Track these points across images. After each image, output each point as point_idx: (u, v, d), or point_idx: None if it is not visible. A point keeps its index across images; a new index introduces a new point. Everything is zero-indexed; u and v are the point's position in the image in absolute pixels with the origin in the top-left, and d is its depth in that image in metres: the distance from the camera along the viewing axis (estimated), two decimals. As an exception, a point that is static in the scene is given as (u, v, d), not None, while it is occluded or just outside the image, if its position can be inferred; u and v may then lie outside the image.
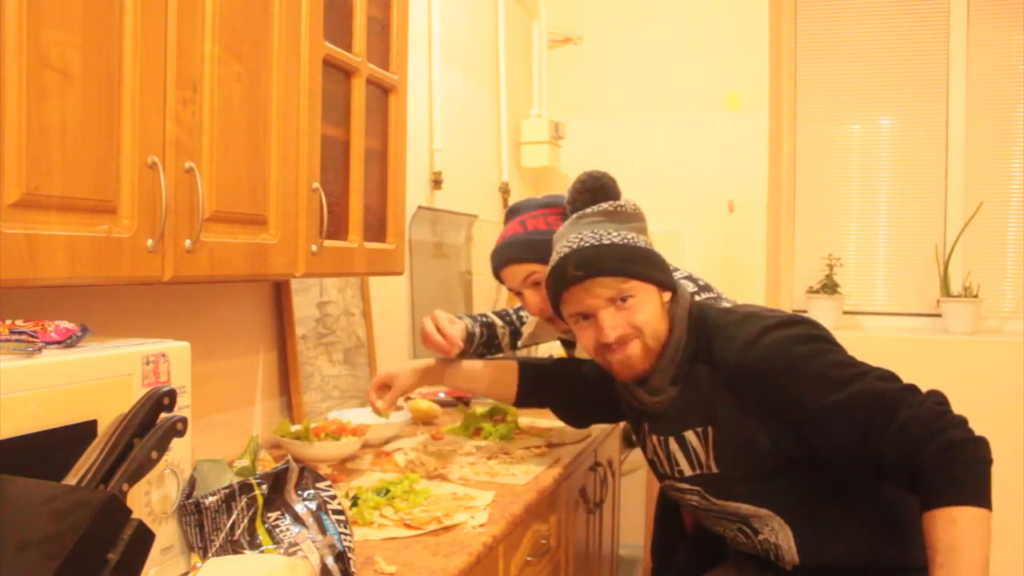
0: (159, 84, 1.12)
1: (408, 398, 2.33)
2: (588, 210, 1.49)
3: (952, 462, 1.20)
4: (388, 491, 1.50)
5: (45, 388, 0.92)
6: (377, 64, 1.78)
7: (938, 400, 1.28)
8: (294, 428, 1.83)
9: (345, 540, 1.14)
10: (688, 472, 1.47)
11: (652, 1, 3.74)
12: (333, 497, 1.19)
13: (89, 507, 0.77)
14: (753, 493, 1.40)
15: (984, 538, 1.16)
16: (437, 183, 2.84)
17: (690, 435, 1.44)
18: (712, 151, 3.62)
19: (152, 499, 1.07)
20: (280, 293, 2.01)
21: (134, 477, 0.89)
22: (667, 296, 1.46)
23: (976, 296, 3.46)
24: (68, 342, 1.00)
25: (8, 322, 0.99)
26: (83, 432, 0.95)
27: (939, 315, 3.54)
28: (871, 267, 3.72)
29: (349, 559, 1.13)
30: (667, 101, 3.72)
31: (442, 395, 2.43)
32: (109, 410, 0.98)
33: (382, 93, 1.85)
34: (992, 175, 3.54)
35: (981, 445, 1.23)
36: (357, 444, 1.80)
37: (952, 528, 1.16)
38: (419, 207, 2.70)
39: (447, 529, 1.38)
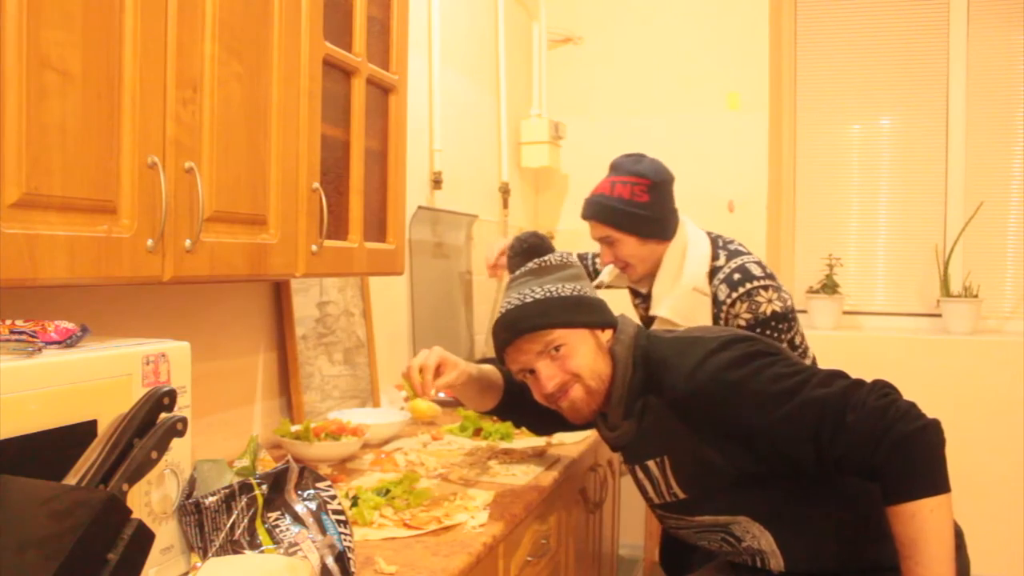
0: (159, 84, 1.12)
1: (408, 398, 2.33)
2: (516, 273, 1.57)
3: (903, 457, 1.23)
4: (388, 491, 1.50)
5: (45, 388, 0.92)
6: (377, 64, 1.78)
7: (882, 392, 1.30)
8: (294, 428, 1.83)
9: (345, 540, 1.14)
10: (656, 500, 1.53)
11: (652, 1, 3.74)
12: (333, 497, 1.19)
13: (89, 507, 0.77)
14: (725, 505, 1.43)
15: (944, 523, 1.22)
16: (437, 183, 2.84)
17: (651, 464, 1.49)
18: (712, 151, 3.62)
19: (152, 499, 1.07)
20: (280, 293, 2.01)
21: (134, 477, 0.89)
22: (606, 335, 1.52)
23: (976, 296, 3.46)
24: (68, 342, 1.00)
25: (8, 322, 0.99)
26: (83, 432, 0.95)
27: (939, 315, 3.54)
28: (871, 267, 3.72)
29: (349, 559, 1.13)
30: (667, 101, 3.72)
31: (442, 395, 2.43)
32: (109, 410, 0.98)
33: (382, 93, 1.85)
34: (992, 175, 3.54)
35: (929, 431, 1.26)
36: (357, 444, 1.80)
37: (913, 522, 1.21)
38: (419, 207, 2.70)
39: (447, 529, 1.38)
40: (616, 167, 2.14)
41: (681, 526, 1.53)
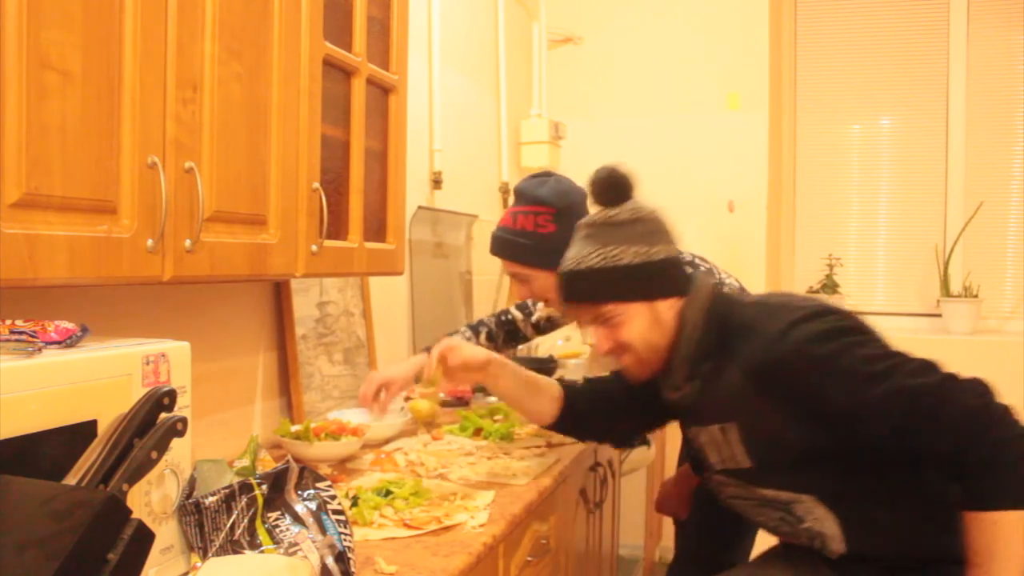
0: (159, 84, 1.12)
1: (408, 398, 2.33)
2: (585, 220, 1.50)
3: (993, 463, 1.17)
4: (389, 491, 1.50)
5: (45, 388, 0.92)
6: (377, 64, 1.78)
7: (978, 392, 1.23)
8: (294, 428, 1.83)
9: (345, 540, 1.14)
10: (718, 465, 1.46)
11: (652, 1, 3.74)
12: (333, 497, 1.19)
13: (89, 507, 0.77)
14: (791, 481, 1.36)
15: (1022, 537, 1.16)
16: (437, 183, 2.84)
17: (714, 429, 1.43)
18: (712, 151, 3.62)
19: (152, 499, 1.07)
20: (280, 293, 2.01)
21: (134, 477, 0.89)
22: (666, 304, 1.45)
23: (976, 296, 3.46)
24: (68, 342, 1.00)
25: (8, 322, 0.99)
26: (83, 432, 0.95)
27: (939, 315, 3.54)
28: (871, 267, 3.72)
29: (349, 559, 1.13)
30: (667, 101, 3.72)
31: (442, 395, 2.43)
32: (109, 410, 0.98)
33: (382, 93, 1.84)
34: (992, 175, 3.54)
35: (1021, 441, 1.19)
36: (357, 444, 1.80)
37: (992, 530, 1.16)
38: (419, 207, 2.70)
39: (447, 529, 1.38)
40: (519, 194, 1.95)
41: (740, 495, 1.46)
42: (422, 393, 2.34)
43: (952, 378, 1.26)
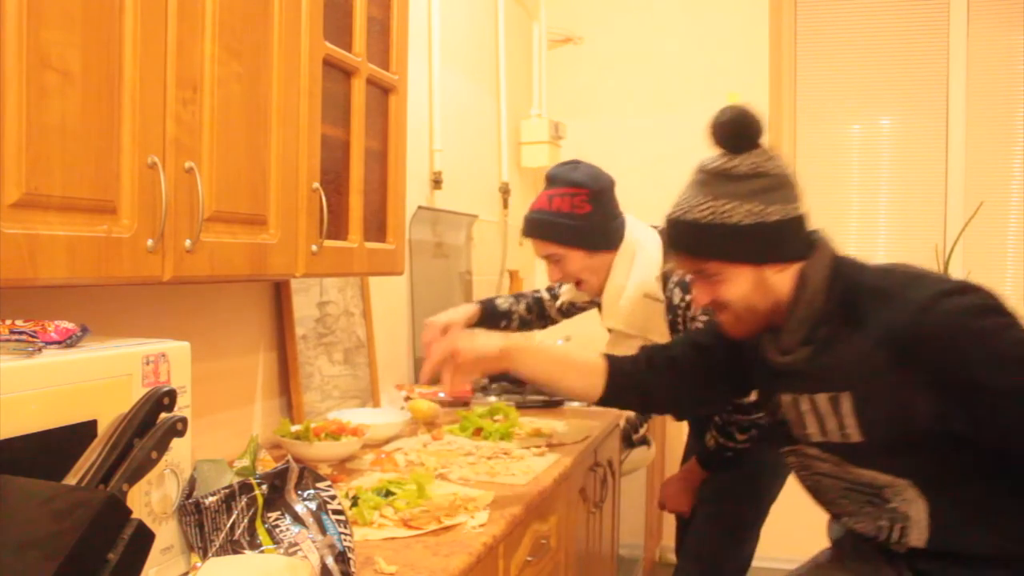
0: (159, 84, 1.12)
1: (408, 398, 2.34)
2: (703, 162, 1.41)
3: None
4: (389, 492, 1.50)
5: (45, 388, 0.92)
6: (377, 64, 1.78)
7: None
8: (294, 428, 1.83)
9: (345, 540, 1.14)
10: (816, 437, 1.36)
11: (652, 1, 3.74)
12: (333, 497, 1.19)
13: (89, 507, 0.77)
14: (895, 463, 1.29)
15: None
16: (437, 183, 2.84)
17: (821, 399, 1.34)
18: (712, 151, 3.62)
19: (152, 499, 1.07)
20: (280, 293, 2.01)
21: (134, 477, 0.89)
22: (774, 269, 1.35)
23: (976, 296, 3.45)
24: (68, 342, 1.00)
25: (8, 322, 0.99)
26: (83, 432, 0.95)
27: (939, 315, 3.53)
28: (871, 267, 3.71)
29: (349, 559, 1.13)
30: (667, 101, 3.72)
31: (442, 395, 2.43)
32: (109, 410, 0.98)
33: (382, 93, 1.85)
34: (992, 175, 3.54)
35: None
36: (357, 444, 1.80)
37: None
38: (419, 207, 2.70)
39: (447, 529, 1.38)
40: (552, 178, 2.02)
41: (831, 473, 1.37)
42: (422, 393, 2.35)
43: None
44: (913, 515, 1.29)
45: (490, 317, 2.19)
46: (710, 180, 1.37)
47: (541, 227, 1.98)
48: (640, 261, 1.98)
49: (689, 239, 1.36)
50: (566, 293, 2.24)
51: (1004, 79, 3.50)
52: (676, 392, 1.60)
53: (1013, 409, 1.20)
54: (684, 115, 3.68)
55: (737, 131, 1.37)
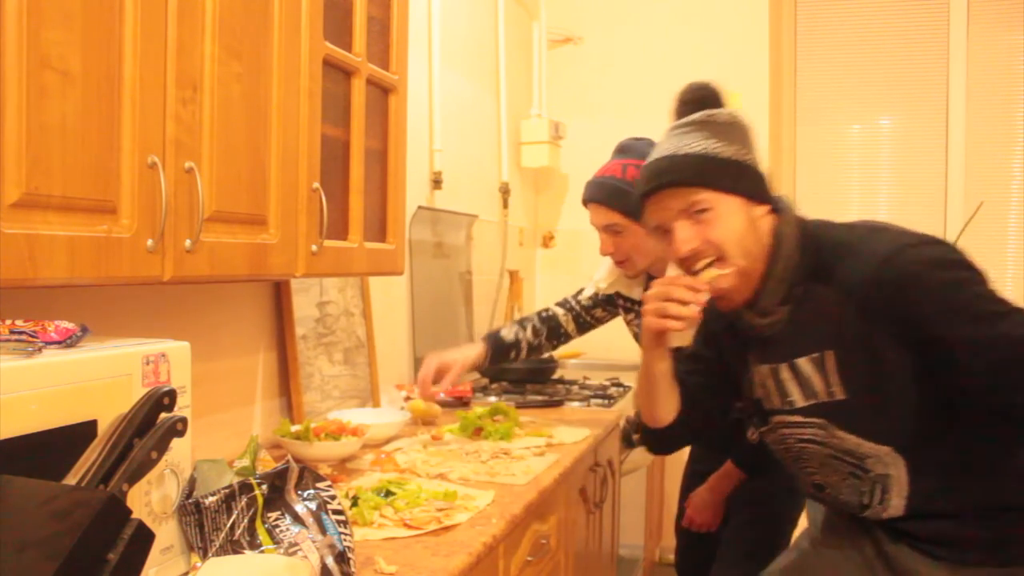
0: (159, 84, 1.12)
1: (408, 398, 2.34)
2: (679, 121, 1.41)
3: None
4: (389, 492, 1.50)
5: (45, 388, 0.92)
6: (377, 64, 1.78)
7: None
8: (294, 428, 1.83)
9: (345, 540, 1.14)
10: (800, 403, 1.36)
11: (652, 1, 3.74)
12: (333, 497, 1.19)
13: (89, 507, 0.77)
14: (876, 427, 1.30)
15: None
16: (437, 183, 2.84)
17: (803, 362, 1.34)
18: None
19: (152, 499, 1.07)
20: (280, 293, 2.01)
21: (134, 477, 0.89)
22: (761, 210, 1.36)
23: (976, 296, 3.46)
24: (68, 342, 1.00)
25: (8, 322, 0.99)
26: (83, 432, 0.95)
27: (939, 315, 3.53)
28: (871, 267, 3.71)
29: (349, 559, 1.13)
30: (667, 101, 3.70)
31: (442, 395, 2.43)
32: (109, 410, 0.98)
33: (382, 93, 1.84)
34: (992, 175, 3.54)
35: None
36: (357, 444, 1.80)
37: None
38: (419, 207, 2.70)
39: (447, 529, 1.38)
40: (626, 149, 1.98)
41: (817, 438, 1.36)
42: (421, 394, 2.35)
43: None
44: (894, 474, 1.31)
45: (497, 354, 2.15)
46: (695, 126, 1.38)
47: (611, 194, 1.91)
48: None
49: (684, 171, 1.34)
50: (606, 275, 2.13)
51: (1004, 79, 3.50)
52: (705, 410, 1.54)
53: (969, 361, 1.21)
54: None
55: (703, 100, 1.42)
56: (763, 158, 1.39)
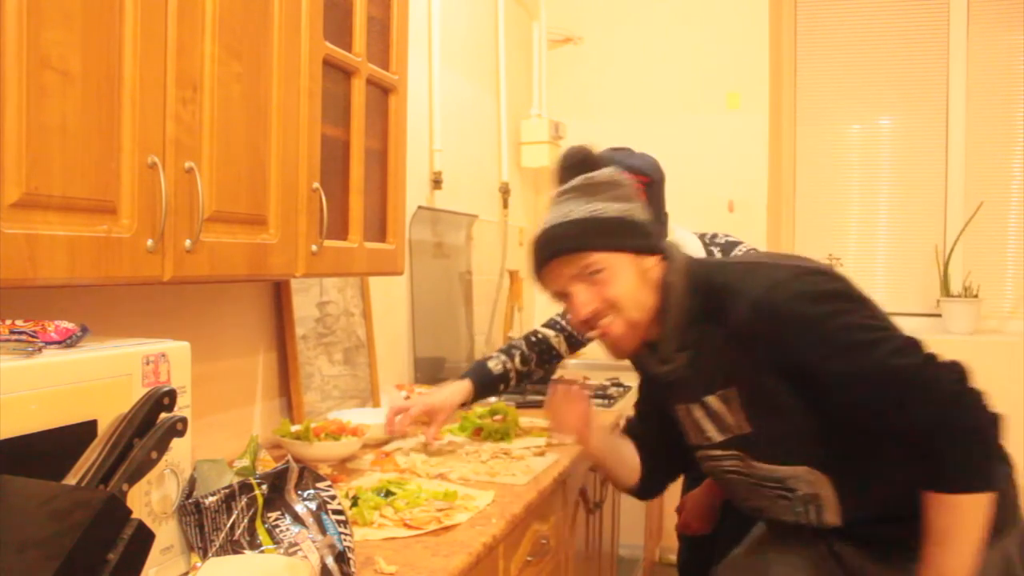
0: (159, 84, 1.12)
1: (408, 398, 2.33)
2: (562, 188, 1.46)
3: (962, 450, 1.19)
4: (389, 492, 1.50)
5: (45, 388, 0.92)
6: (377, 64, 1.78)
7: (954, 377, 1.23)
8: (294, 428, 1.83)
9: (345, 540, 1.14)
10: (717, 437, 1.41)
11: (652, 1, 3.74)
12: (333, 497, 1.19)
13: (89, 507, 0.77)
14: (788, 450, 1.34)
15: (982, 521, 1.19)
16: (437, 183, 2.84)
17: (712, 400, 1.39)
18: (712, 151, 3.62)
19: (152, 499, 1.07)
20: (280, 293, 2.01)
21: (134, 477, 0.89)
22: (651, 261, 1.40)
23: (976, 296, 3.46)
24: (68, 342, 1.00)
25: (8, 322, 0.99)
26: (83, 432, 0.95)
27: (939, 315, 3.54)
28: (871, 267, 3.72)
29: (349, 559, 1.13)
30: (667, 101, 3.72)
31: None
32: (109, 410, 0.98)
33: (382, 93, 1.85)
34: (992, 175, 3.54)
35: (993, 427, 1.22)
36: (357, 444, 1.80)
37: (952, 513, 1.19)
38: (419, 207, 2.70)
39: (447, 529, 1.38)
40: (609, 162, 2.05)
41: (739, 469, 1.42)
42: (421, 394, 2.34)
43: (932, 361, 1.24)
44: (821, 492, 1.34)
45: (485, 389, 2.10)
46: (576, 192, 1.43)
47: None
48: None
49: (572, 238, 1.39)
50: None
51: (1004, 79, 3.51)
52: (667, 455, 1.61)
53: (845, 393, 1.25)
54: (684, 115, 3.68)
55: (584, 162, 1.46)
56: (644, 210, 1.44)
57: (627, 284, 1.37)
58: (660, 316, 1.39)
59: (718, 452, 1.43)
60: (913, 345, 1.26)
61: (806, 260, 1.41)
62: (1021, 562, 1.32)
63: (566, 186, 1.45)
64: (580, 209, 1.40)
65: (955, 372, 1.24)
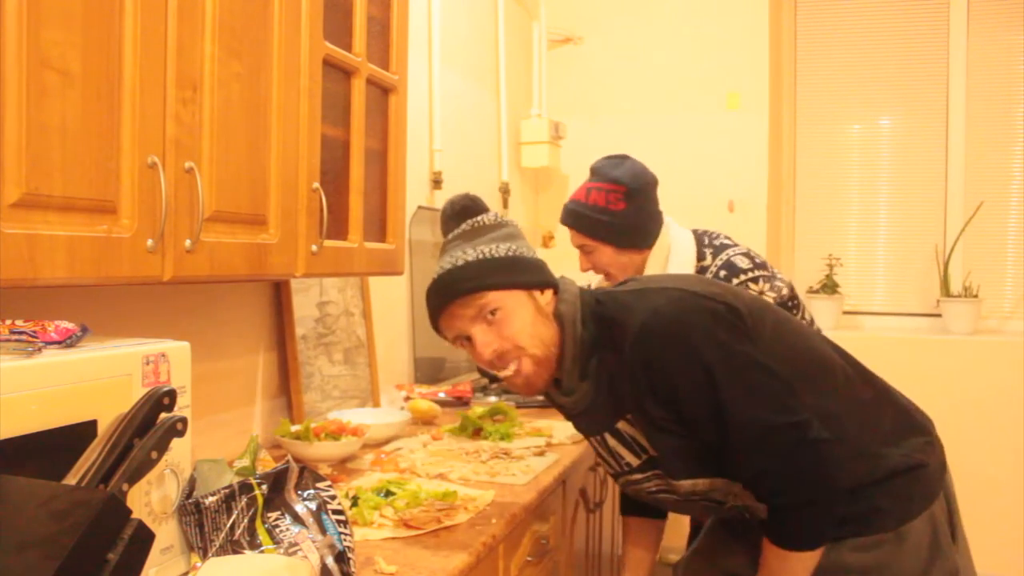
0: (159, 84, 1.12)
1: (408, 398, 2.34)
2: (449, 236, 1.48)
3: (799, 517, 1.27)
4: (389, 492, 1.50)
5: (45, 388, 0.92)
6: (377, 64, 1.78)
7: (816, 442, 1.25)
8: (294, 428, 1.83)
9: (345, 540, 1.14)
10: (635, 462, 1.43)
11: (652, 1, 3.74)
12: (333, 497, 1.19)
13: (89, 507, 0.77)
14: (699, 468, 1.36)
15: (809, 565, 1.29)
16: (437, 183, 2.84)
17: (622, 425, 1.40)
18: (712, 151, 3.62)
19: (152, 499, 1.07)
20: (280, 293, 2.01)
21: (134, 477, 0.89)
22: (546, 296, 1.42)
23: (976, 296, 3.46)
24: (68, 342, 1.00)
25: (8, 322, 0.99)
26: (83, 432, 0.95)
27: (939, 315, 3.53)
28: (871, 267, 3.71)
29: (349, 559, 1.13)
30: (667, 101, 3.72)
31: (442, 395, 2.43)
32: (109, 410, 0.98)
33: (382, 93, 1.85)
34: (992, 175, 3.54)
35: (834, 497, 1.27)
36: (357, 444, 1.80)
37: (784, 563, 1.29)
38: (419, 207, 2.70)
39: (447, 529, 1.38)
40: (595, 172, 2.08)
41: (663, 489, 1.44)
42: (421, 394, 2.35)
43: (800, 424, 1.26)
44: (750, 504, 1.37)
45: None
46: (465, 236, 1.45)
47: (575, 218, 2.08)
48: (674, 261, 2.02)
49: (465, 280, 1.39)
50: (595, 283, 2.21)
51: (1004, 79, 3.50)
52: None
53: (706, 432, 1.29)
54: (684, 115, 3.68)
55: (467, 209, 1.47)
56: (529, 247, 1.46)
57: (525, 320, 1.38)
58: (560, 348, 1.40)
59: (638, 476, 1.45)
60: (787, 398, 1.28)
61: (697, 281, 1.44)
62: (947, 526, 1.39)
63: (453, 233, 1.47)
64: (470, 252, 1.42)
65: (820, 437, 1.26)
